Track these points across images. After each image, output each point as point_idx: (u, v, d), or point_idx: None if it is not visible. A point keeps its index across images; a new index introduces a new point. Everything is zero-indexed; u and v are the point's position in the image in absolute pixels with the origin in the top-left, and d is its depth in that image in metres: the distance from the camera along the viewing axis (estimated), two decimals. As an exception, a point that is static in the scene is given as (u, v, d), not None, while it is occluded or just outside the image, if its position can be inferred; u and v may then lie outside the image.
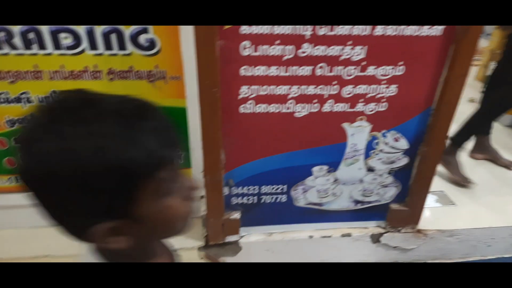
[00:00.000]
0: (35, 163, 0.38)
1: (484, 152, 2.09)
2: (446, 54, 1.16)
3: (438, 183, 1.82)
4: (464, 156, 2.09)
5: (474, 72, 2.98)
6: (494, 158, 2.08)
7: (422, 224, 1.53)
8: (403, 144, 1.33)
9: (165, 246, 0.59)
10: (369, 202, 1.46)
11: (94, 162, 0.37)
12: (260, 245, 1.45)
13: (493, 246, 1.64)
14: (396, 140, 1.32)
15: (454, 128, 2.01)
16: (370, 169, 1.37)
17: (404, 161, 1.38)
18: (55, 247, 1.40)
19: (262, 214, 1.42)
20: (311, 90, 1.18)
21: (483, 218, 1.66)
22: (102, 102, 0.41)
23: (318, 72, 1.14)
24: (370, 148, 1.32)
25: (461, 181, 1.86)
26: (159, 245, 0.57)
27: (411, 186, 1.43)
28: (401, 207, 1.47)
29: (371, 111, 1.24)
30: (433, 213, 1.66)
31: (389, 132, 1.30)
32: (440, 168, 1.87)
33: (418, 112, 1.27)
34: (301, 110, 1.21)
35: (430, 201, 1.72)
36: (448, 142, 1.87)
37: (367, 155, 1.34)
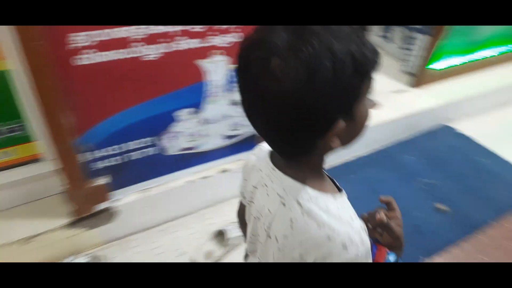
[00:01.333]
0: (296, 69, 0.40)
1: None
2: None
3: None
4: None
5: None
6: None
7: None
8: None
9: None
10: (241, 135, 1.48)
11: (347, 63, 0.42)
12: (138, 203, 1.37)
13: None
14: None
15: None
16: (235, 103, 1.36)
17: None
18: None
19: (133, 172, 1.32)
20: (156, 28, 1.06)
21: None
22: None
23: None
24: (232, 81, 1.29)
25: None
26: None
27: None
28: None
29: (228, 43, 1.19)
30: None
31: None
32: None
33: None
34: (150, 53, 1.09)
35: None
36: None
37: (230, 89, 1.31)
